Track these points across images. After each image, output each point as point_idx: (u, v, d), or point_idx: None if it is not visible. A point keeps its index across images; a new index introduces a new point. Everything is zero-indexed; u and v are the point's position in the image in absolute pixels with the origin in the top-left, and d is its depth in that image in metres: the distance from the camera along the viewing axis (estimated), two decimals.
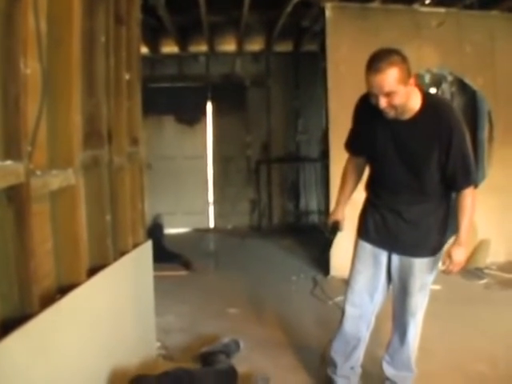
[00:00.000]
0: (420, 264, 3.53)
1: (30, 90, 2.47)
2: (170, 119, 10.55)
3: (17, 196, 2.35)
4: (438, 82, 9.51)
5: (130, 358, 3.79)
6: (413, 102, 3.25)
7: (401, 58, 3.11)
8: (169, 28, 8.41)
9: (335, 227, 4.01)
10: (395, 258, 3.61)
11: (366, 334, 3.91)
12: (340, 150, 6.91)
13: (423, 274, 3.56)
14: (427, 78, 9.82)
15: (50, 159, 2.85)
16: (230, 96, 10.39)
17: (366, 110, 3.37)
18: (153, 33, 9.42)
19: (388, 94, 3.08)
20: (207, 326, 5.41)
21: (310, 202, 10.46)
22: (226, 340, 4.77)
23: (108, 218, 3.51)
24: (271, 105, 10.50)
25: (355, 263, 3.81)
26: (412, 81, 3.15)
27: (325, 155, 7.41)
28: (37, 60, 2.63)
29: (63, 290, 2.90)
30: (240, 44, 9.98)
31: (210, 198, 10.85)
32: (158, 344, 4.79)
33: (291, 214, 10.74)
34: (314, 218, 10.38)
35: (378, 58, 3.10)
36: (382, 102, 3.12)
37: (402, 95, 3.11)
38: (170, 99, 10.23)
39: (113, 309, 3.54)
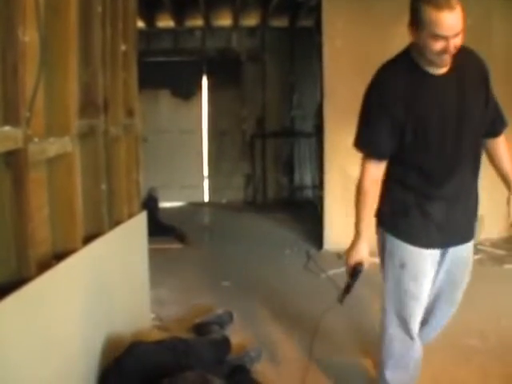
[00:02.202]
0: (468, 248, 3.17)
1: (28, 57, 2.50)
2: (165, 93, 10.54)
3: (15, 161, 2.37)
4: None
5: (125, 328, 3.83)
6: None
7: None
8: (165, 2, 8.37)
9: (358, 269, 3.09)
10: (451, 251, 3.10)
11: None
12: (334, 124, 7.03)
13: (470, 258, 3.23)
14: None
15: (47, 127, 2.88)
16: (226, 70, 10.37)
17: (403, 84, 2.85)
18: (149, 7, 9.35)
19: (457, 35, 2.61)
20: (201, 298, 5.46)
21: (305, 176, 10.48)
22: (219, 311, 4.83)
23: (103, 186, 3.54)
24: (266, 79, 10.48)
25: (418, 277, 3.06)
26: None
27: (319, 130, 7.42)
28: (35, 28, 2.64)
29: (59, 256, 2.94)
30: (236, 19, 9.93)
31: (205, 171, 10.88)
32: (153, 315, 4.83)
33: (285, 189, 10.76)
34: (308, 193, 10.40)
35: None
36: (451, 46, 2.62)
37: (462, 36, 2.65)
38: (166, 73, 10.19)
39: (107, 277, 3.57)
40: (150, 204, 9.26)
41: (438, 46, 2.62)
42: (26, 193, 2.42)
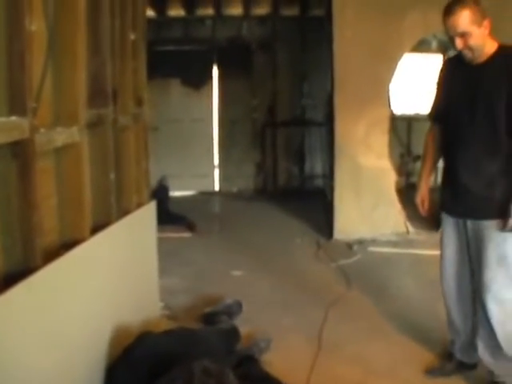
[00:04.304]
0: (489, 229, 3.38)
1: (35, 47, 2.50)
2: (176, 82, 10.52)
3: (21, 151, 2.38)
4: (444, 47, 9.46)
5: (133, 317, 3.83)
6: (488, 46, 3.34)
7: (472, 1, 3.27)
8: None
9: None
10: (469, 225, 3.51)
11: (470, 308, 3.67)
12: (345, 113, 7.02)
13: (498, 243, 3.37)
14: (434, 44, 9.78)
15: (55, 116, 2.90)
16: (236, 59, 10.33)
17: (449, 69, 3.67)
18: None
19: (462, 35, 3.25)
20: (211, 287, 5.47)
21: (315, 165, 10.45)
22: (228, 301, 4.84)
23: (112, 176, 3.53)
24: (277, 68, 10.41)
25: (442, 237, 3.76)
26: (486, 23, 3.27)
27: (329, 119, 7.40)
28: (42, 18, 2.64)
29: (67, 245, 2.95)
30: (247, 7, 9.91)
31: (216, 160, 10.85)
32: (162, 304, 4.84)
33: (296, 178, 10.72)
34: (319, 182, 10.37)
35: (451, 3, 3.29)
36: (459, 43, 3.29)
37: (477, 36, 3.26)
38: (177, 62, 10.14)
39: (115, 267, 3.57)
40: (160, 193, 9.30)
41: (453, 42, 3.31)
42: (32, 183, 2.43)
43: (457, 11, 3.23)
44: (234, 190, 10.73)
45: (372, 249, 6.77)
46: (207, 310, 4.70)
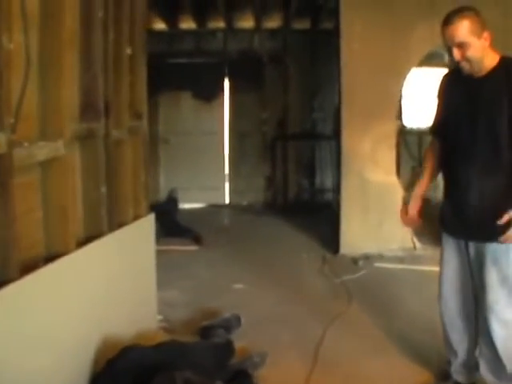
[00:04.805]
0: (493, 251, 3.31)
1: (15, 63, 2.51)
2: (187, 95, 10.59)
3: None
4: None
5: (128, 329, 3.84)
6: (489, 59, 3.26)
7: (473, 12, 3.20)
8: (184, 4, 8.38)
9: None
10: (471, 246, 3.43)
11: (467, 327, 3.64)
12: (351, 128, 7.00)
13: (502, 265, 3.31)
14: (446, 57, 9.72)
15: (40, 131, 2.92)
16: (247, 72, 10.38)
17: (448, 83, 3.56)
18: (171, 8, 9.40)
19: (460, 46, 3.16)
20: (212, 300, 5.44)
21: (326, 179, 10.44)
22: (226, 315, 4.82)
23: (103, 189, 3.56)
24: (288, 81, 10.44)
25: (442, 254, 3.68)
26: (486, 35, 3.19)
27: (337, 133, 7.38)
28: (22, 34, 2.65)
29: (52, 258, 2.96)
30: (258, 20, 9.94)
31: (226, 173, 10.87)
32: (160, 317, 4.83)
33: (306, 192, 10.72)
34: (329, 196, 10.35)
35: (450, 13, 3.21)
36: (457, 54, 3.19)
37: (476, 48, 3.17)
38: (188, 75, 10.24)
39: (106, 279, 3.57)
40: (169, 205, 9.36)
41: (451, 53, 3.21)
42: (9, 197, 2.43)
43: (456, 21, 3.15)
44: (244, 203, 10.74)
45: (378, 264, 6.72)
46: (204, 323, 4.68)
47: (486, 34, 3.18)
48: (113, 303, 3.67)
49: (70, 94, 3.09)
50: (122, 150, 3.98)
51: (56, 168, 2.94)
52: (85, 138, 3.36)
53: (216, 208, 10.58)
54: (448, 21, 3.18)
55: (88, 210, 3.45)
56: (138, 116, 4.37)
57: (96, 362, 3.33)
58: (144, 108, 4.49)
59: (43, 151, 2.79)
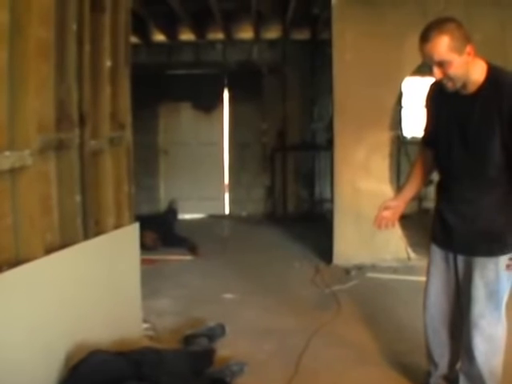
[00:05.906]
0: (481, 265, 3.22)
1: None
2: (186, 106, 10.64)
3: None
4: None
5: (107, 336, 3.86)
6: (475, 73, 3.03)
7: (454, 25, 2.93)
8: (181, 16, 8.44)
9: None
10: (460, 259, 3.35)
11: (449, 341, 3.60)
12: (344, 137, 7.01)
13: (487, 279, 3.22)
14: None
15: (9, 141, 2.95)
16: (247, 83, 10.40)
17: (436, 93, 3.30)
18: (170, 20, 9.47)
19: (441, 64, 2.94)
20: (200, 310, 5.47)
21: (325, 190, 10.41)
22: (211, 324, 4.86)
23: (77, 198, 3.60)
24: (287, 92, 10.45)
25: (429, 265, 3.58)
26: (470, 49, 2.95)
27: (331, 144, 7.40)
28: None
29: (21, 263, 3.01)
30: (257, 31, 9.96)
31: (226, 184, 10.89)
32: (147, 325, 4.87)
33: (306, 202, 10.72)
34: (328, 206, 10.33)
35: (428, 27, 2.95)
36: (437, 73, 2.97)
37: (458, 65, 2.93)
38: (188, 86, 10.33)
39: (79, 285, 3.60)
40: (168, 216, 9.44)
41: (432, 71, 3.00)
42: None
43: (433, 37, 2.88)
44: (244, 213, 10.76)
45: (370, 275, 6.71)
46: (188, 331, 4.71)
47: (469, 48, 2.94)
48: (88, 309, 3.70)
49: (40, 106, 3.15)
50: (101, 159, 4.03)
51: (23, 177, 2.99)
52: (59, 148, 3.40)
53: (216, 219, 10.60)
54: (425, 37, 2.93)
55: (63, 219, 3.50)
56: (121, 126, 4.40)
57: (67, 366, 3.36)
58: (127, 119, 4.53)
59: (7, 161, 2.85)
